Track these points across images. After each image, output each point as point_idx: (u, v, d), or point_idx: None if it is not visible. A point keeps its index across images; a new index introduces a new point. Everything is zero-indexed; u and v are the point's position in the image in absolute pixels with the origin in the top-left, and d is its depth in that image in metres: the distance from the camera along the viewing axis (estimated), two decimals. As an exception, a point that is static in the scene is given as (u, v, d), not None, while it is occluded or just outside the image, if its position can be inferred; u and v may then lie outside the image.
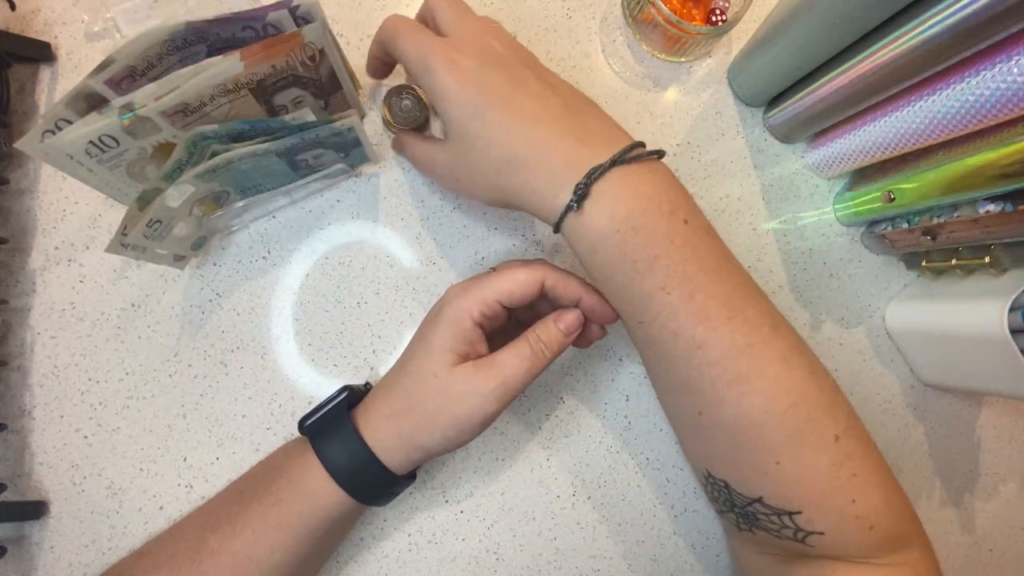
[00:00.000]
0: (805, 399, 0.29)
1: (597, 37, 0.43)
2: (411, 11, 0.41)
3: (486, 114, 0.29)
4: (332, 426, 0.31)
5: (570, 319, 0.31)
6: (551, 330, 0.31)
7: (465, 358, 0.30)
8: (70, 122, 0.28)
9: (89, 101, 0.29)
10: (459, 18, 0.31)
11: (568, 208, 0.28)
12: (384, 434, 0.30)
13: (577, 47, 0.42)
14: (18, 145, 0.27)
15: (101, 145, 0.28)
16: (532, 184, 0.29)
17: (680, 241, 0.28)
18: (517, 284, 0.30)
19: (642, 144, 0.30)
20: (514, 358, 0.30)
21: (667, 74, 0.43)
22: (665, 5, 0.38)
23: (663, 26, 0.39)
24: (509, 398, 0.30)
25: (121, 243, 0.30)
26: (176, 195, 0.31)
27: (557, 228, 0.30)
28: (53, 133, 0.28)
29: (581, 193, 0.27)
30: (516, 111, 0.29)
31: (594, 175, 0.27)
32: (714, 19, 0.40)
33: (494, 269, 0.33)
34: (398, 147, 0.38)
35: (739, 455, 0.30)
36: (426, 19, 0.33)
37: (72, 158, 0.28)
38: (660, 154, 0.30)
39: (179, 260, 0.35)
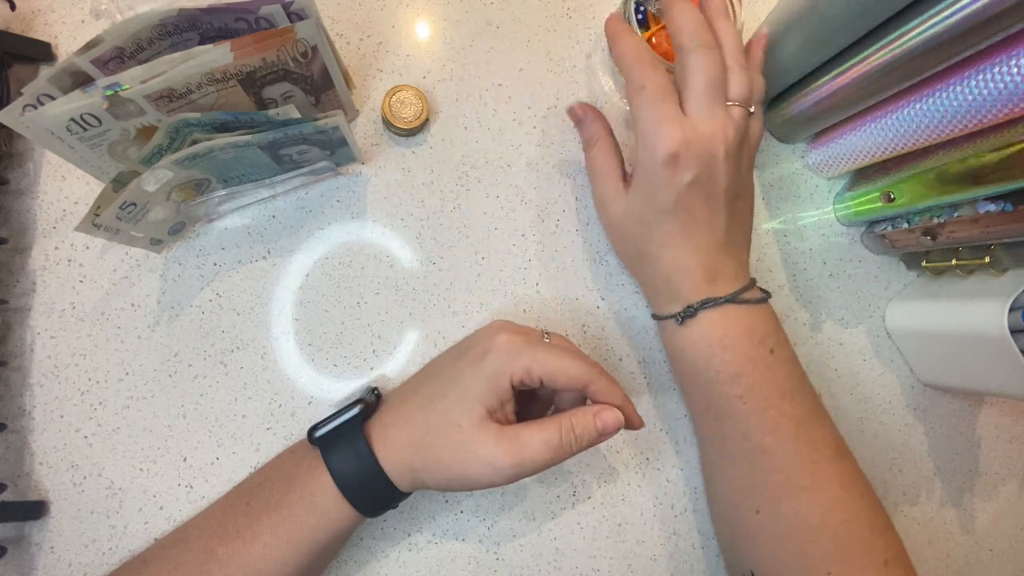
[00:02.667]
0: (859, 518, 0.32)
1: (598, 37, 0.43)
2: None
3: (664, 219, 0.32)
4: (347, 443, 0.31)
5: (609, 421, 0.30)
6: (587, 424, 0.30)
7: (492, 415, 0.30)
8: (53, 98, 0.28)
9: (74, 78, 0.28)
10: (706, 110, 0.31)
11: (669, 318, 0.34)
12: (396, 460, 0.30)
13: (577, 47, 0.42)
14: None
15: (83, 123, 0.28)
16: (654, 283, 0.34)
17: (762, 366, 0.33)
18: (565, 375, 0.30)
19: (753, 282, 0.34)
20: (539, 442, 0.29)
21: (667, 74, 0.43)
22: (654, 50, 0.37)
23: None
24: (520, 478, 0.30)
25: (93, 223, 0.29)
26: (153, 179, 0.30)
27: (656, 318, 0.36)
28: (35, 107, 0.27)
29: (687, 315, 0.33)
30: (685, 234, 0.32)
31: (706, 306, 0.33)
32: None
33: (548, 334, 0.33)
34: (589, 160, 0.36)
35: (791, 560, 0.31)
36: (680, 63, 0.32)
37: (52, 134, 0.28)
38: (768, 297, 0.35)
39: (156, 244, 0.35)
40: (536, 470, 0.29)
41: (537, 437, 0.29)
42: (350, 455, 0.30)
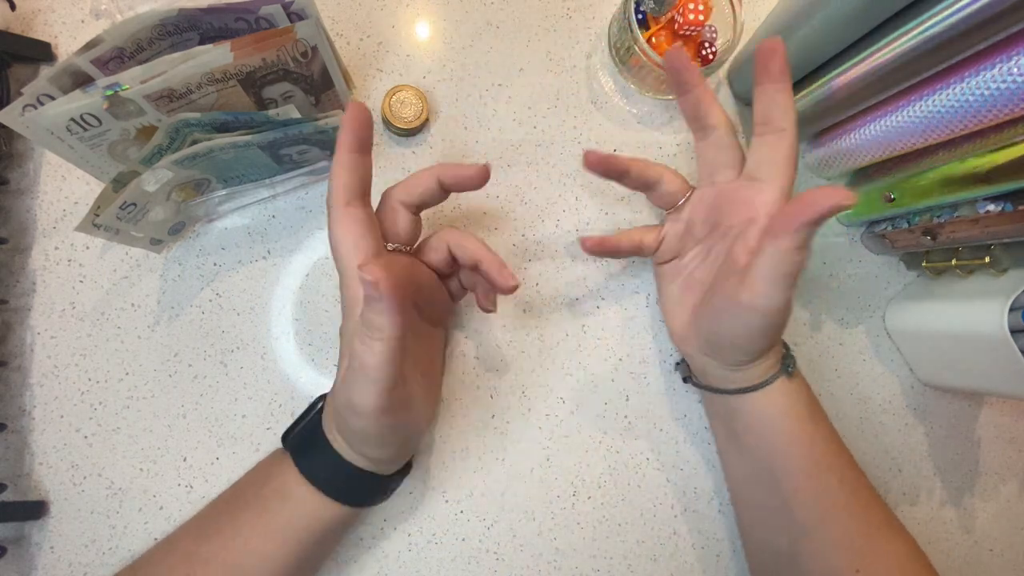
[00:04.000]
0: (911, 543, 0.34)
1: (597, 37, 0.43)
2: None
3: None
4: (310, 440, 0.31)
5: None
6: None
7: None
8: (53, 98, 0.28)
9: (74, 79, 0.28)
10: None
11: (775, 377, 0.34)
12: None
13: (577, 47, 0.42)
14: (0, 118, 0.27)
15: (83, 123, 0.28)
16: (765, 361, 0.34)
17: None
18: (412, 186, 0.31)
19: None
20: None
21: (667, 74, 0.43)
22: (654, 50, 0.38)
23: (655, 71, 0.38)
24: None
25: (93, 223, 0.30)
26: (153, 179, 0.30)
27: (733, 392, 0.35)
28: (35, 107, 0.27)
29: (792, 364, 0.35)
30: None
31: (789, 348, 0.35)
32: (704, 52, 0.40)
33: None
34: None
35: None
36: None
37: (52, 134, 0.28)
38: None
39: (156, 244, 0.35)
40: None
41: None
42: (314, 452, 0.31)
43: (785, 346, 0.36)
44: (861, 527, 0.33)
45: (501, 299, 0.40)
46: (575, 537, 0.39)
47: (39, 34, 0.37)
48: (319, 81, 0.33)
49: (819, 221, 0.27)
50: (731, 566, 0.40)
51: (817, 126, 0.41)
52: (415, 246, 0.33)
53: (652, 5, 0.39)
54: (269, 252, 0.38)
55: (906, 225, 0.40)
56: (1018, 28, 0.26)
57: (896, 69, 0.32)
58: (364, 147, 0.29)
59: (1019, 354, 0.34)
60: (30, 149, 0.37)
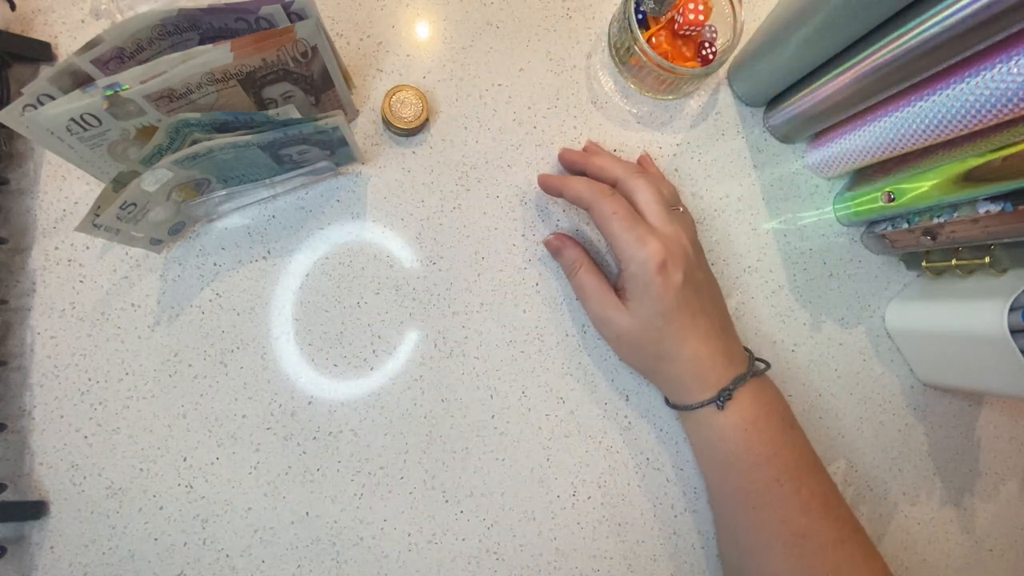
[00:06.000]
0: None
1: (597, 37, 0.43)
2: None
3: (673, 319, 0.34)
4: None
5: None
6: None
7: None
8: (53, 98, 0.28)
9: (74, 78, 0.28)
10: (664, 218, 0.35)
11: (708, 404, 0.35)
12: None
13: (577, 47, 0.42)
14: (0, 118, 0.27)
15: (83, 123, 0.28)
16: (682, 379, 0.36)
17: (790, 442, 0.36)
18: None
19: (751, 352, 0.38)
20: None
21: (667, 74, 0.43)
22: (654, 50, 0.38)
23: (655, 71, 0.39)
24: None
25: (93, 223, 0.30)
26: (153, 179, 0.30)
27: (678, 408, 0.37)
28: (35, 107, 0.27)
29: (727, 396, 0.35)
30: (694, 326, 0.35)
31: (738, 384, 0.35)
32: (704, 52, 0.40)
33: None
34: (576, 285, 0.38)
35: None
36: (623, 191, 0.36)
37: (52, 134, 0.28)
38: (768, 366, 0.38)
39: (156, 244, 0.35)
40: None
41: None
42: None
43: (746, 370, 0.36)
44: (803, 570, 0.33)
45: (500, 299, 0.40)
46: (575, 537, 0.39)
47: (39, 34, 0.37)
48: (319, 81, 0.33)
49: None
50: (731, 566, 0.40)
51: (817, 126, 0.41)
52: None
53: (652, 5, 0.39)
54: (269, 252, 0.38)
55: (906, 225, 0.40)
56: (1018, 28, 0.26)
57: (896, 69, 0.32)
58: None
59: (1019, 354, 0.34)
60: (30, 149, 0.37)
